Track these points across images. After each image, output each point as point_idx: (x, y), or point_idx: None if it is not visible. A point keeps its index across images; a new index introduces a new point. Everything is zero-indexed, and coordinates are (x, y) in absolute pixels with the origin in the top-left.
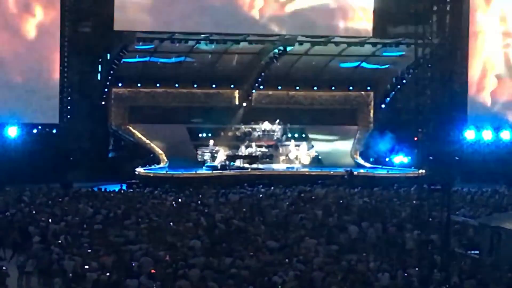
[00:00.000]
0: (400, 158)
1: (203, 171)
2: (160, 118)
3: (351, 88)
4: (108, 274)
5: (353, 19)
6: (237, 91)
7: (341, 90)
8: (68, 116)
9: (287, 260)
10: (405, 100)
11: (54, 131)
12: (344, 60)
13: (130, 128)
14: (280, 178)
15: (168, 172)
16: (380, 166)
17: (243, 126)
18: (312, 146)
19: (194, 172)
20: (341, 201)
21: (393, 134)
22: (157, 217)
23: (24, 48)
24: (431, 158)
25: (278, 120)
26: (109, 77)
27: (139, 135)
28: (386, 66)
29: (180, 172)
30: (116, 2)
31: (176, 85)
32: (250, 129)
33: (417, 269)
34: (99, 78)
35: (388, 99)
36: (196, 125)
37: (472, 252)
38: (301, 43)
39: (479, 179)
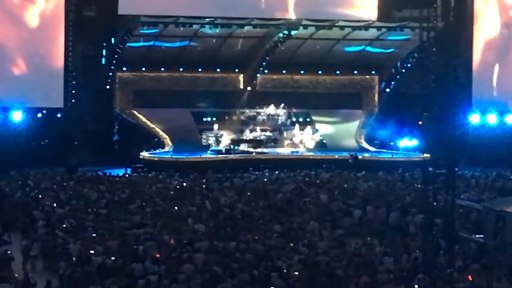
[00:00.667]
0: (405, 142)
1: (207, 155)
2: (165, 102)
3: (355, 72)
4: (113, 258)
5: (358, 3)
6: (241, 75)
7: (345, 74)
8: (73, 101)
9: (291, 244)
10: (409, 84)
11: (59, 115)
12: (348, 44)
13: (135, 112)
14: (285, 162)
15: (172, 156)
16: (384, 150)
17: (247, 110)
18: (317, 130)
19: (198, 156)
20: (345, 185)
21: (398, 118)
22: (161, 201)
23: (29, 33)
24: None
25: (282, 104)
26: (114, 61)
27: (144, 119)
28: (391, 50)
29: (184, 156)
30: None
31: (181, 69)
32: (255, 113)
33: (421, 253)
34: (103, 62)
35: (393, 83)
36: (200, 109)
37: (477, 236)
38: (305, 27)
39: (484, 163)
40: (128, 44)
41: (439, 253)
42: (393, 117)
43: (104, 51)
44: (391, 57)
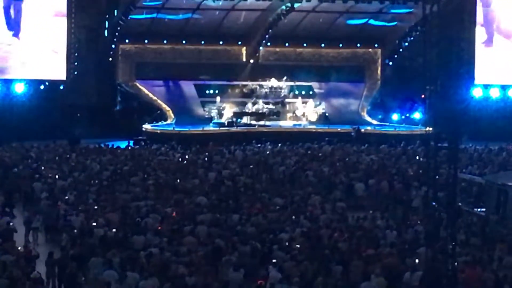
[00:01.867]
0: (417, 115)
1: (210, 128)
2: (167, 75)
3: (358, 45)
4: (114, 230)
5: None
6: (244, 47)
7: (348, 47)
8: (75, 73)
9: (293, 217)
10: (412, 57)
11: (61, 87)
12: (351, 17)
13: (137, 84)
14: (287, 135)
15: (175, 129)
16: (387, 124)
17: (250, 83)
18: (319, 103)
19: (201, 129)
20: (348, 159)
21: (400, 91)
22: (164, 174)
23: (32, 5)
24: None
25: (285, 77)
26: (116, 34)
27: (146, 92)
28: (394, 23)
29: (187, 129)
30: None
31: (183, 42)
32: (257, 86)
33: (423, 226)
34: (106, 34)
35: (396, 56)
36: (203, 81)
37: (479, 209)
38: (308, 0)
39: (487, 137)
40: (130, 16)
41: (441, 226)
42: (396, 90)
43: (106, 23)
44: (394, 30)
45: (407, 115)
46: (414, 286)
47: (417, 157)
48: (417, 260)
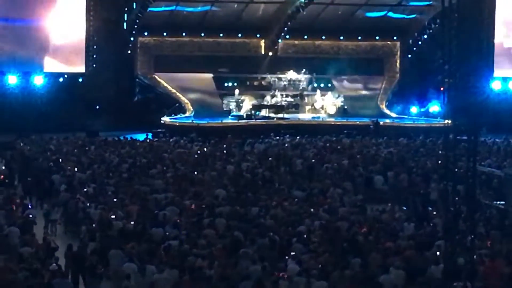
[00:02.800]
0: (435, 108)
1: (228, 120)
2: (186, 67)
3: (377, 37)
4: (133, 222)
5: None
6: (263, 40)
7: (367, 39)
8: (94, 65)
9: (312, 209)
10: (431, 50)
11: (80, 80)
12: (370, 10)
13: (156, 77)
14: (306, 128)
15: (193, 122)
16: (406, 116)
17: (269, 76)
18: (338, 95)
19: (219, 122)
20: (367, 151)
21: (419, 84)
22: (182, 166)
23: None
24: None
25: (304, 70)
26: (135, 26)
27: (165, 84)
28: (413, 15)
29: (205, 122)
30: None
31: (202, 34)
32: (276, 79)
33: (442, 219)
34: (125, 27)
35: (415, 49)
36: (222, 74)
37: (498, 202)
38: None
39: (506, 129)
40: (149, 8)
41: (460, 219)
42: (415, 83)
43: (125, 15)
44: (413, 22)
45: (423, 109)
46: (434, 279)
47: (436, 150)
48: (437, 253)
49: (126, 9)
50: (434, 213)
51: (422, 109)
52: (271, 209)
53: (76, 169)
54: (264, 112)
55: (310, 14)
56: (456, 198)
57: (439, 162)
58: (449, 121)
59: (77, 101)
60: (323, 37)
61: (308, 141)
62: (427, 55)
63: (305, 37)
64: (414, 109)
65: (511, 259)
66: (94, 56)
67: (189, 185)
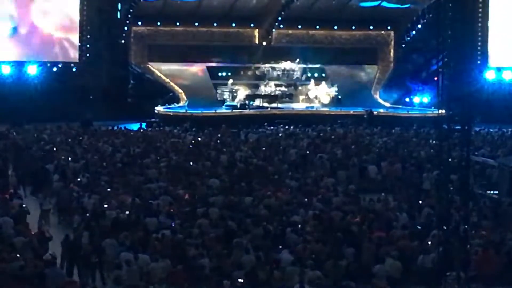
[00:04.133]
0: (420, 98)
1: (222, 110)
2: (180, 57)
3: (371, 27)
4: (127, 212)
5: None
6: (257, 30)
7: (361, 29)
8: (88, 55)
9: (306, 199)
10: (425, 39)
11: (74, 69)
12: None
13: (150, 66)
14: (300, 118)
15: (187, 111)
16: (400, 106)
17: (262, 65)
18: (332, 85)
19: (213, 111)
20: (360, 141)
21: (413, 73)
22: (176, 156)
23: None
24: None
25: (298, 59)
26: (129, 16)
27: (159, 74)
28: (407, 5)
29: (199, 111)
30: None
31: (196, 24)
32: (270, 68)
33: (435, 209)
34: (118, 16)
35: (409, 38)
36: (215, 64)
37: (491, 192)
38: None
39: (500, 119)
40: None
41: (453, 209)
42: (409, 73)
43: (119, 5)
44: (407, 12)
45: (408, 99)
46: (427, 268)
47: (430, 140)
48: (429, 243)
49: None
50: (428, 203)
51: (415, 99)
52: (265, 198)
53: (69, 158)
54: (258, 102)
55: (304, 4)
56: (450, 188)
57: (433, 151)
58: (443, 111)
59: (71, 90)
60: (317, 27)
61: (302, 131)
62: (421, 45)
63: (299, 26)
64: (408, 99)
65: (504, 249)
66: (88, 45)
67: (183, 174)
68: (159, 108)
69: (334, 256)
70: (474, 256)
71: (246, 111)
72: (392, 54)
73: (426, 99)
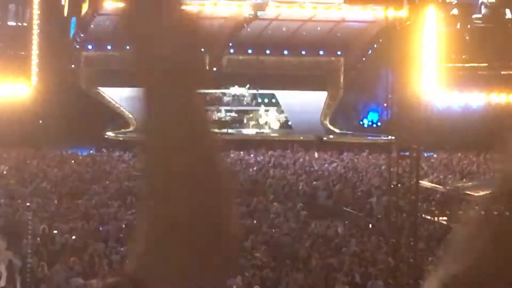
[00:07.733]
0: (370, 124)
1: None
2: (131, 82)
3: (321, 53)
4: (75, 237)
5: None
6: (207, 55)
7: (311, 55)
8: (37, 79)
9: (256, 225)
10: (375, 65)
11: (24, 94)
12: (315, 25)
13: (100, 92)
14: (250, 143)
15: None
16: (350, 132)
17: (213, 91)
18: (282, 111)
19: None
20: (311, 167)
21: (363, 100)
22: (126, 181)
23: None
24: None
25: (248, 85)
26: (79, 40)
27: (109, 99)
28: (357, 32)
29: None
30: None
31: None
32: (220, 94)
33: (385, 235)
34: (69, 41)
35: (359, 64)
36: None
37: (440, 218)
38: (272, 8)
39: (449, 146)
40: (93, 22)
41: (402, 234)
42: (359, 99)
43: (70, 30)
44: (357, 38)
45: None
46: None
47: (379, 166)
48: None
49: (70, 23)
50: (378, 228)
51: (365, 125)
52: None
53: (18, 183)
54: None
55: (255, 30)
56: (399, 214)
57: (383, 177)
58: (393, 137)
59: (20, 115)
60: (267, 52)
61: (252, 157)
62: (371, 71)
63: (250, 52)
64: (357, 125)
65: None
66: (37, 70)
67: (133, 200)
68: (110, 133)
69: (284, 282)
70: (424, 282)
71: None
72: (342, 80)
73: (377, 125)
